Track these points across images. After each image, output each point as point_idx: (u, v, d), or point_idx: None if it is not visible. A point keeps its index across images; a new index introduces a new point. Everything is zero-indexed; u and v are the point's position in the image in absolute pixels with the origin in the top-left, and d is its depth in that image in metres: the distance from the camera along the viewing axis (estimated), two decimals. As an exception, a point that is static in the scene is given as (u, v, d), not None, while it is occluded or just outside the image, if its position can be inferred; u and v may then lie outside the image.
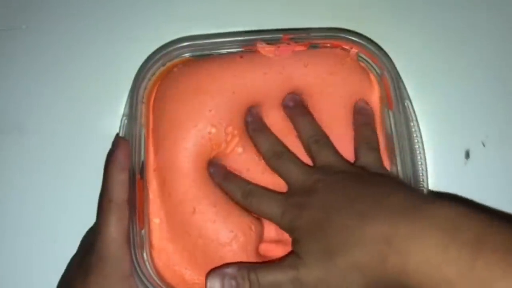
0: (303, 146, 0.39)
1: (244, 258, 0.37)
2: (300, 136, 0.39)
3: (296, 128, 0.39)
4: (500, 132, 0.42)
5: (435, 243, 0.28)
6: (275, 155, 0.38)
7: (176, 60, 0.40)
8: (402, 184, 0.36)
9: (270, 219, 0.37)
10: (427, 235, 0.28)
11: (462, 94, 0.43)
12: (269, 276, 0.33)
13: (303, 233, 0.33)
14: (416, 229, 0.29)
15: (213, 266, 0.36)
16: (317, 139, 0.38)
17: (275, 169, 0.38)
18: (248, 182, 0.38)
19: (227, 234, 0.37)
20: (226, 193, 0.38)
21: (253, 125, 0.39)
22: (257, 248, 0.38)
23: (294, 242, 0.34)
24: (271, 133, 0.39)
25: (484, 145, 0.42)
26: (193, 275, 0.37)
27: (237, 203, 0.38)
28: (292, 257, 0.33)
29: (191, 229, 0.37)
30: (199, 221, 0.37)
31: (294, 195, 0.36)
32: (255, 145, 0.39)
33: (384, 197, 0.32)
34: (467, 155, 0.42)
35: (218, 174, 0.39)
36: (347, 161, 0.38)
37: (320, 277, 0.31)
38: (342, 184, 0.34)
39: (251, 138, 0.39)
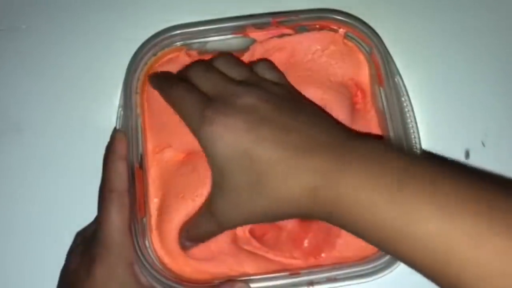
0: None
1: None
2: None
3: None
4: (500, 131, 0.42)
5: (364, 173, 0.29)
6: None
7: (167, 49, 0.40)
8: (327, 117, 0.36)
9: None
10: (357, 167, 0.29)
11: (461, 94, 0.42)
12: None
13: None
14: (346, 162, 0.29)
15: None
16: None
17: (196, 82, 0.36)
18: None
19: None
20: None
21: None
22: None
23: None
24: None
25: (484, 145, 0.41)
26: (195, 263, 0.38)
27: None
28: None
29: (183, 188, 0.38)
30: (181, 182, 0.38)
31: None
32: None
33: (319, 132, 0.32)
34: (467, 155, 0.41)
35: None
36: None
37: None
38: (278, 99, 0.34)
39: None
